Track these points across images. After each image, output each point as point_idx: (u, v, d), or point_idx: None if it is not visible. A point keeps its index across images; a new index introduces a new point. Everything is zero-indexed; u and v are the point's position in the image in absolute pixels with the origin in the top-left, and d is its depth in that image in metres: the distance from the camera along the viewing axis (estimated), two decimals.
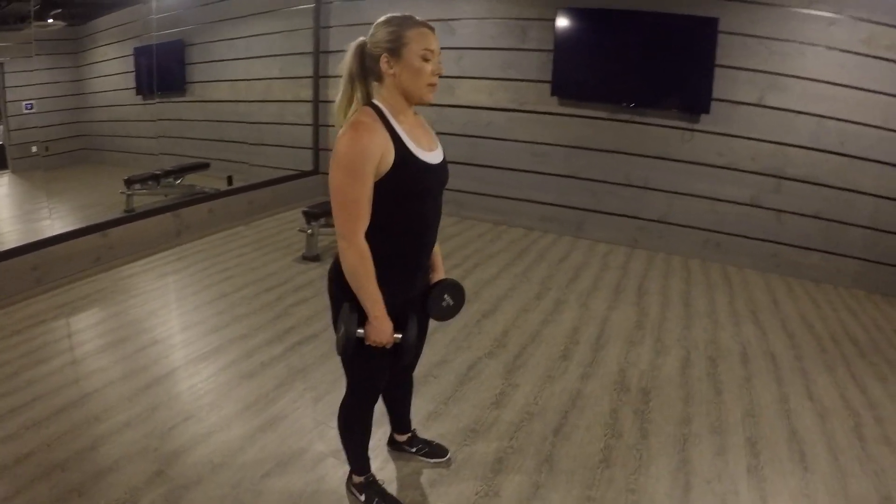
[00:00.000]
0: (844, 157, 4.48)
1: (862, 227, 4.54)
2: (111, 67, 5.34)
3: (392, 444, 2.20)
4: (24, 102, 4.71)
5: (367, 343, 1.53)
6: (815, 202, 4.62)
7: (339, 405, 1.82)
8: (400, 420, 2.11)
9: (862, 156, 4.43)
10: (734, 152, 4.74)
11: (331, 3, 6.05)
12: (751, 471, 2.25)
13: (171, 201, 4.79)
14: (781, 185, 4.68)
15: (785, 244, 4.77)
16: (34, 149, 4.90)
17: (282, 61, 6.13)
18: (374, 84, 1.52)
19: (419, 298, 1.72)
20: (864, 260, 4.59)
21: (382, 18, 1.49)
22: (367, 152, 1.39)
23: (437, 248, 1.76)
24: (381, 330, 1.51)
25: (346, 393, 1.76)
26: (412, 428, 2.16)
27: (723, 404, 2.71)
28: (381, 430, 2.21)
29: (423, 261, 1.65)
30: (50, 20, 4.93)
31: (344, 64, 1.51)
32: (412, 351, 1.64)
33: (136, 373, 2.70)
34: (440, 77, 1.50)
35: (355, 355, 1.59)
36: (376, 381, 1.71)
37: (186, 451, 2.17)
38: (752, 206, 4.79)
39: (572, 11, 4.94)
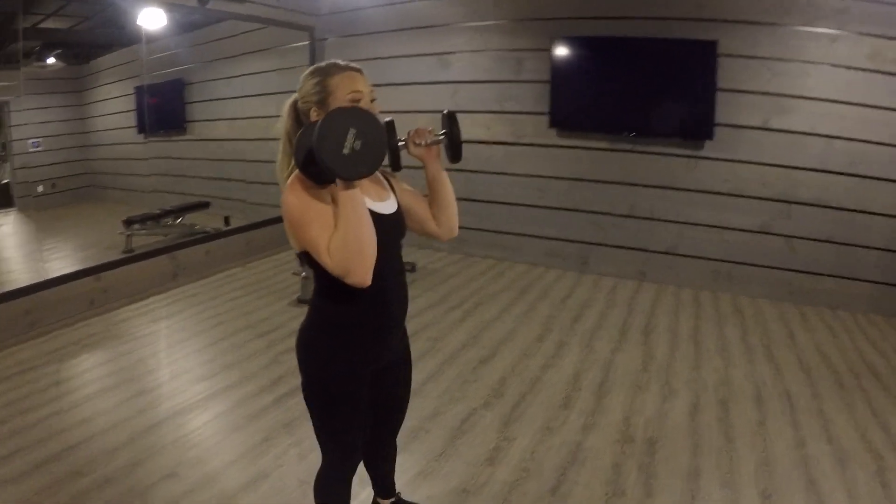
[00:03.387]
0: (855, 178, 4.33)
1: (877, 248, 4.36)
2: (113, 106, 5.38)
3: None
4: (30, 140, 4.74)
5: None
6: (827, 226, 4.46)
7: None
8: (382, 483, 1.98)
9: (873, 175, 4.28)
10: (741, 178, 4.60)
11: (325, 40, 6.06)
12: None
13: (168, 243, 4.75)
14: (791, 210, 4.52)
15: (798, 271, 4.59)
16: (40, 188, 4.92)
17: (278, 99, 6.10)
18: None
19: (394, 364, 1.64)
20: (881, 283, 4.39)
21: (308, 70, 1.46)
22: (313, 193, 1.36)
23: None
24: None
25: (323, 463, 1.65)
26: (396, 491, 2.02)
27: (734, 452, 2.54)
28: (364, 491, 2.08)
29: (387, 322, 1.53)
30: (51, 59, 4.98)
31: (280, 123, 1.48)
32: None
33: (121, 425, 2.62)
34: None
35: (327, 420, 1.50)
36: (353, 447, 1.60)
37: None
38: (762, 233, 4.64)
39: (568, 40, 4.88)
